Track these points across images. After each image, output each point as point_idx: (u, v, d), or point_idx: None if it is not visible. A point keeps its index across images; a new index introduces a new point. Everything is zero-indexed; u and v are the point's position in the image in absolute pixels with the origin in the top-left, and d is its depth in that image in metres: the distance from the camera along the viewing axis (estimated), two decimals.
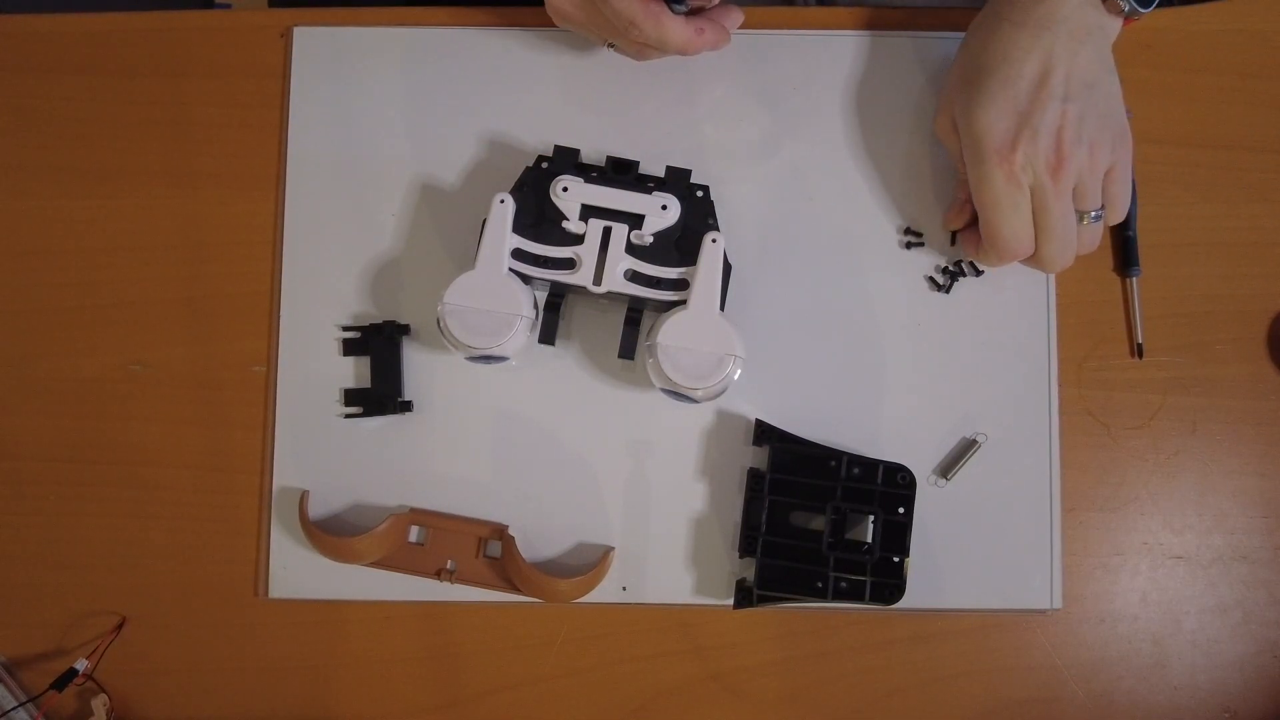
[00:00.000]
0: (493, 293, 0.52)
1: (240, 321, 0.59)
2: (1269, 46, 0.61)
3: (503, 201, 0.54)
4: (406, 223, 0.59)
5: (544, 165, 0.55)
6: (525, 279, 0.54)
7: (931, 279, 0.59)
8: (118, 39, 0.61)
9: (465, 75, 0.60)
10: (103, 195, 0.60)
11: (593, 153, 0.57)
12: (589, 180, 0.54)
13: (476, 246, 0.54)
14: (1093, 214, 0.52)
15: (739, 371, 0.52)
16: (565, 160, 0.56)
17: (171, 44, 0.61)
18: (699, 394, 0.52)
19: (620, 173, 0.55)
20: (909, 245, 0.58)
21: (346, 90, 0.60)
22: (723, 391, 0.53)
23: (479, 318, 0.52)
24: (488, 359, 0.53)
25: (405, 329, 0.58)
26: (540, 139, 0.59)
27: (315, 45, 0.60)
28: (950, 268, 0.58)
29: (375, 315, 0.58)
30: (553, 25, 0.60)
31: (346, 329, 0.58)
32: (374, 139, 0.59)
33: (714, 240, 0.53)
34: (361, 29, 0.61)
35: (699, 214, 0.54)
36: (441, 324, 0.52)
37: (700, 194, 0.55)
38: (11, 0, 0.84)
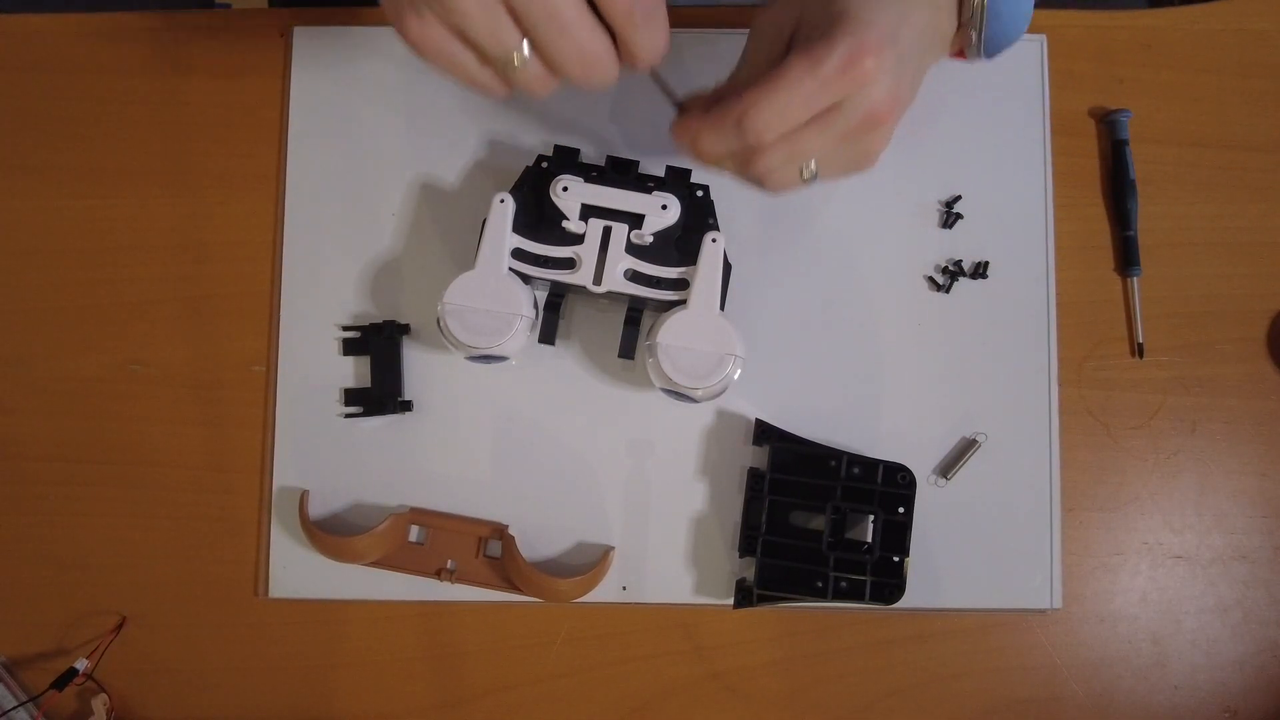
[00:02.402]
0: (493, 292, 0.52)
1: (240, 321, 0.59)
2: (1269, 46, 0.61)
3: (503, 201, 0.54)
4: (406, 223, 0.59)
5: (544, 165, 0.55)
6: (525, 279, 0.54)
7: (931, 279, 0.59)
8: (118, 39, 0.61)
9: None
10: (103, 195, 0.60)
11: (592, 153, 0.57)
12: (589, 180, 0.54)
13: (477, 246, 0.53)
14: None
15: (739, 371, 0.52)
16: (565, 160, 0.56)
17: (171, 44, 0.61)
18: (699, 394, 0.52)
19: (620, 172, 0.55)
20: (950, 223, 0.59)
21: (346, 90, 0.60)
22: (723, 391, 0.53)
23: (479, 318, 0.52)
24: (488, 359, 0.53)
25: (405, 329, 0.58)
26: (540, 139, 0.59)
27: (315, 45, 0.60)
28: (950, 268, 0.58)
29: (375, 315, 0.58)
30: None
31: (346, 329, 0.58)
32: (374, 139, 0.59)
33: (714, 240, 0.53)
34: (361, 29, 0.61)
35: (699, 214, 0.54)
36: (441, 324, 0.52)
37: (700, 194, 0.55)
38: (11, 0, 0.84)
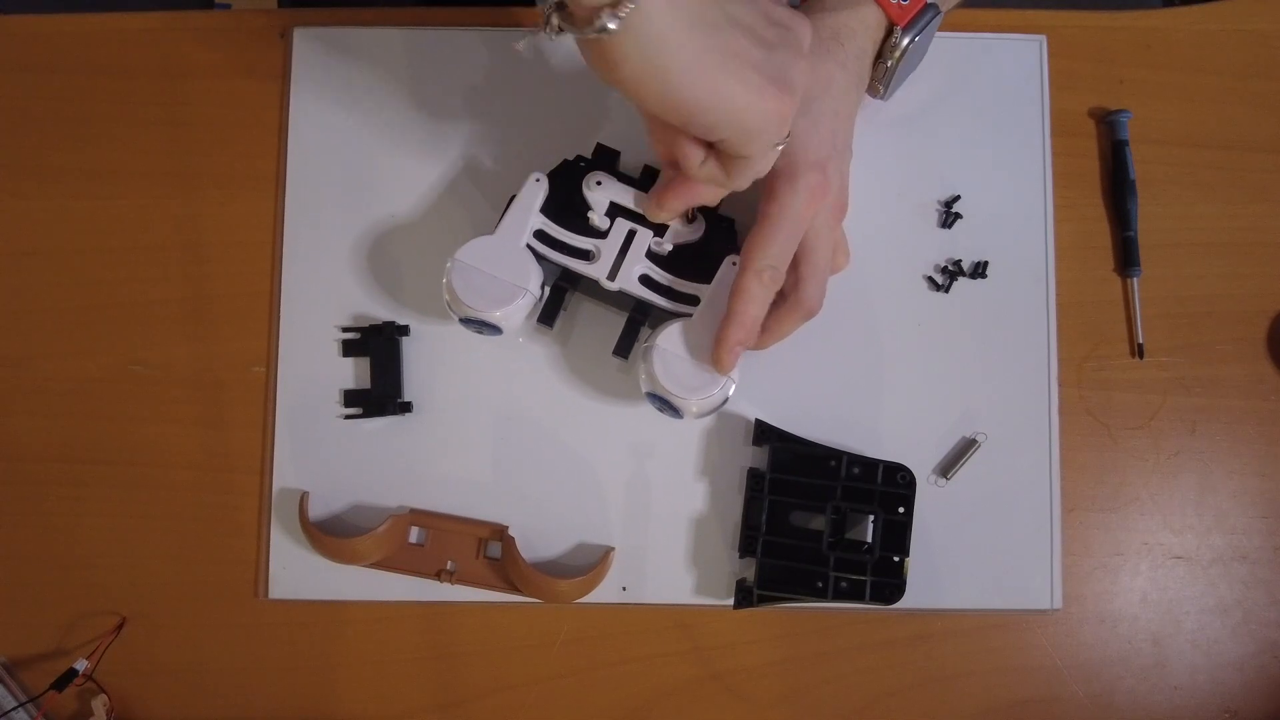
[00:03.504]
0: (506, 261, 0.52)
1: (240, 321, 0.59)
2: (1269, 46, 0.61)
3: (537, 180, 0.54)
4: (406, 224, 0.59)
5: (581, 163, 0.55)
6: (540, 260, 0.53)
7: (931, 279, 0.59)
8: (118, 39, 0.61)
9: (465, 77, 0.60)
10: (103, 195, 0.60)
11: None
12: (623, 181, 0.54)
13: (499, 219, 0.53)
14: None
15: (729, 394, 0.52)
16: (605, 159, 0.56)
17: (171, 44, 0.61)
18: (686, 403, 0.51)
19: (651, 182, 0.55)
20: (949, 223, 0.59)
21: (346, 90, 0.60)
22: (710, 412, 0.52)
23: (485, 281, 0.52)
24: (481, 326, 0.53)
25: (405, 329, 0.58)
26: (540, 141, 0.59)
27: (315, 45, 0.60)
28: (950, 267, 0.58)
29: (375, 315, 0.58)
30: None
31: (346, 330, 0.58)
32: (374, 139, 0.59)
33: (734, 264, 0.53)
34: (361, 29, 0.61)
35: (722, 238, 0.54)
36: (446, 279, 0.52)
37: (725, 224, 0.55)
38: (11, 0, 0.84)
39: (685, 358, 0.51)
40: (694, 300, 0.53)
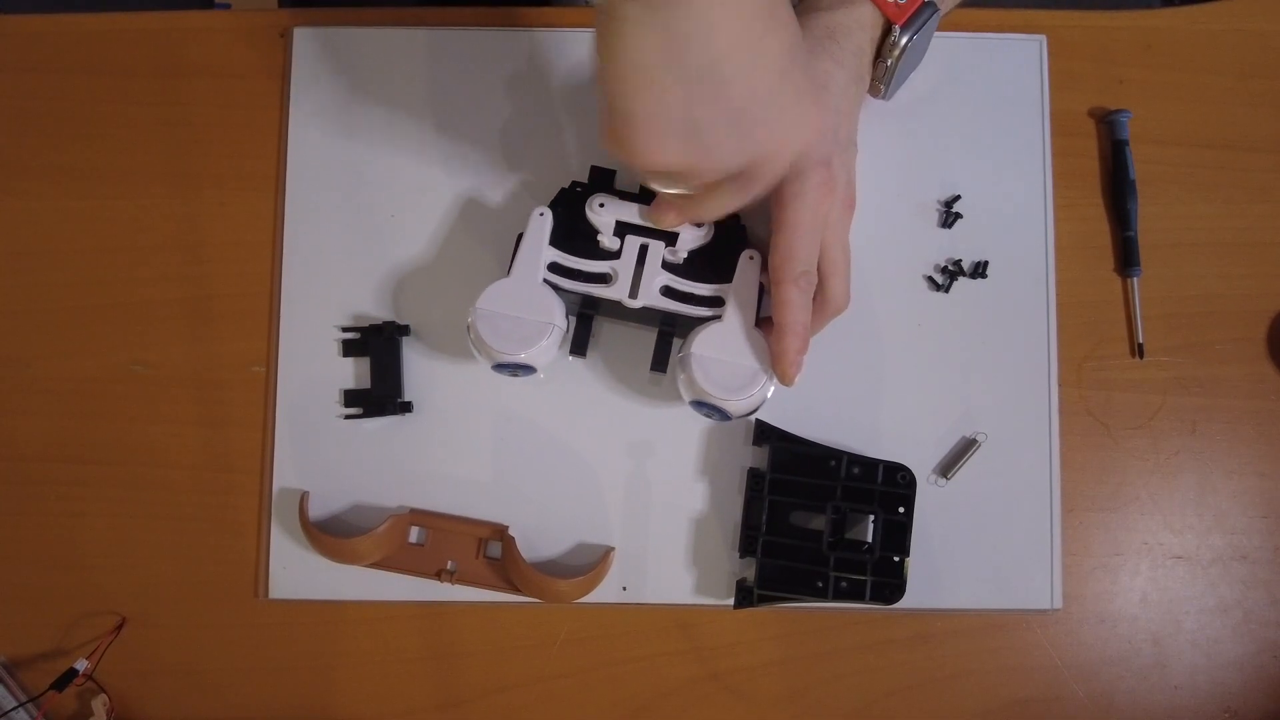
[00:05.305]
0: (526, 300, 0.52)
1: (240, 321, 0.59)
2: (1269, 46, 0.61)
3: (541, 214, 0.54)
4: (406, 224, 0.59)
5: (578, 189, 0.55)
6: (559, 292, 0.53)
7: (931, 279, 0.59)
8: (118, 39, 0.61)
9: (465, 75, 0.60)
10: (103, 195, 0.60)
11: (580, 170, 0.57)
12: (624, 199, 0.54)
13: (511, 259, 0.53)
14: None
15: (772, 388, 0.52)
16: (601, 181, 0.56)
17: (171, 44, 0.61)
18: (731, 406, 0.51)
19: (653, 195, 0.55)
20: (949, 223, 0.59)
21: (346, 90, 0.60)
22: (755, 409, 0.52)
23: (510, 324, 0.51)
24: (515, 369, 0.53)
25: (405, 329, 0.58)
26: (542, 140, 0.59)
27: (315, 45, 0.60)
28: (950, 267, 0.58)
29: (375, 315, 0.58)
30: (559, 27, 0.61)
31: (346, 330, 0.58)
32: (374, 139, 0.59)
33: (751, 258, 0.53)
34: (361, 29, 0.61)
35: (730, 234, 0.54)
36: (471, 329, 0.52)
37: (733, 221, 0.55)
38: (11, 0, 0.84)
39: (722, 360, 0.51)
40: (718, 301, 0.53)
